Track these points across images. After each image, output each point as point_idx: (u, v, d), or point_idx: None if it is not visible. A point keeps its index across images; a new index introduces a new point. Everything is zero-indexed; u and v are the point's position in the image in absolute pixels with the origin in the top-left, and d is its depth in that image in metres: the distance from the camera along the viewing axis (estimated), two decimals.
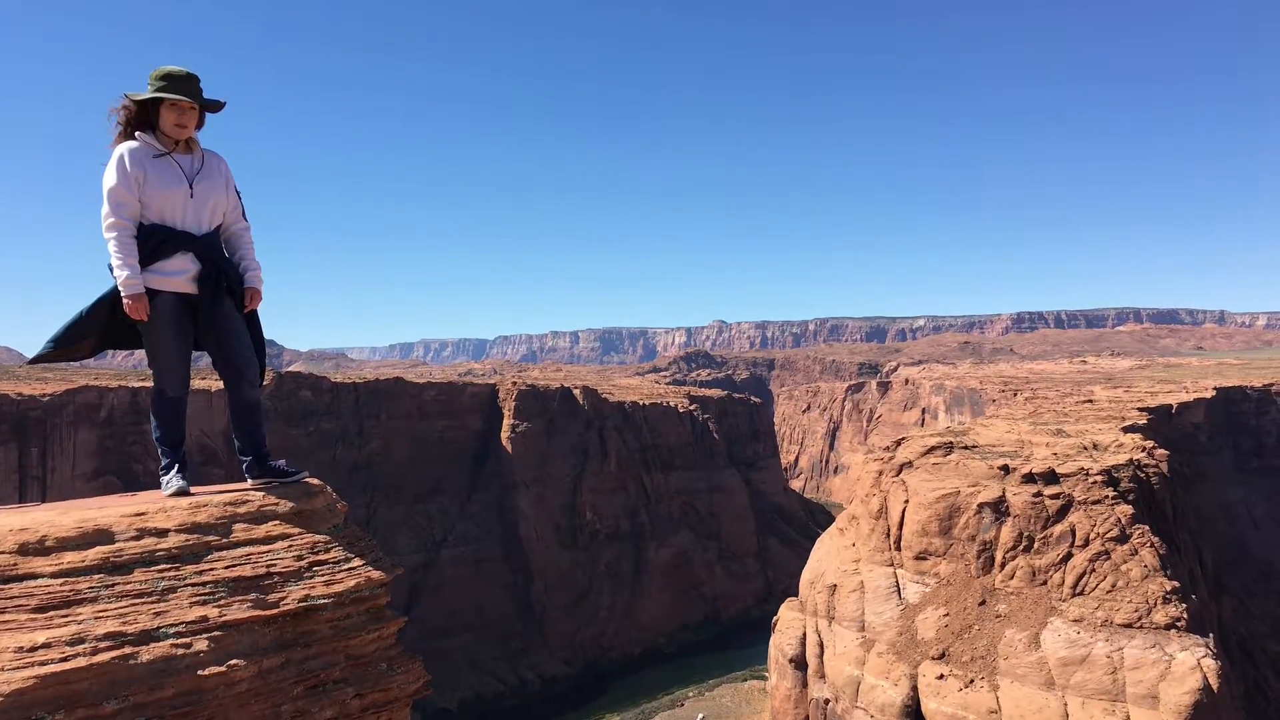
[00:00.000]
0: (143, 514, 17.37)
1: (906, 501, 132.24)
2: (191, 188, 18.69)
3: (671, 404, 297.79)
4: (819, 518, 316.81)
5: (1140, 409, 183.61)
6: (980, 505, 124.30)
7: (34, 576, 15.64)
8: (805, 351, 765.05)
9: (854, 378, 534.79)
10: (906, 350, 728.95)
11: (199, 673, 15.45)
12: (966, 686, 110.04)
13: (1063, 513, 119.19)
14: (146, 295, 18.12)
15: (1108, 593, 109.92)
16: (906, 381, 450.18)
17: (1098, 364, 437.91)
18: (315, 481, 20.18)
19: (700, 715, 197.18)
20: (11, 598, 15.24)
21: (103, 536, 16.64)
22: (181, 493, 18.73)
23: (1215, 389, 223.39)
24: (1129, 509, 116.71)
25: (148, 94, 18.38)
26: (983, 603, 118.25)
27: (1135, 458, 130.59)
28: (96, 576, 15.98)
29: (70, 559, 16.07)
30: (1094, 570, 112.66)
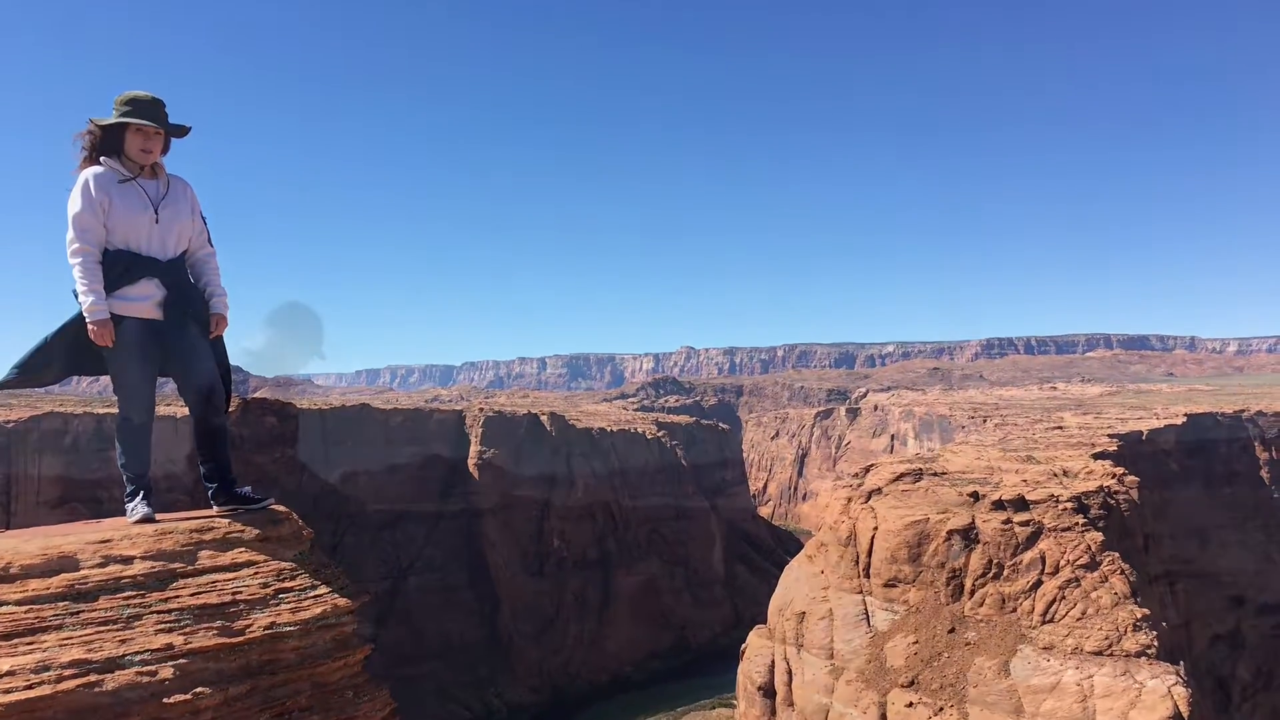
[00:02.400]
0: (108, 541, 17.27)
1: (875, 528, 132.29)
2: (157, 213, 18.67)
3: (639, 430, 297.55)
4: (788, 545, 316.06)
5: (1110, 435, 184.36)
6: (949, 532, 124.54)
7: None
8: (774, 378, 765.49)
9: (823, 404, 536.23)
10: (875, 376, 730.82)
11: (164, 700, 15.33)
12: (936, 714, 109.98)
13: (1032, 540, 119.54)
14: (111, 321, 18.07)
15: (1078, 620, 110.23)
16: (875, 408, 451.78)
17: (1068, 390, 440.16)
18: (281, 508, 20.14)
19: None
20: None
21: (67, 563, 16.53)
22: (147, 519, 18.64)
23: (1186, 415, 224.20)
24: (1099, 536, 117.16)
25: (113, 119, 18.36)
26: (952, 630, 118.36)
27: (1105, 484, 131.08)
28: (61, 604, 15.86)
29: (35, 586, 15.94)
30: (1064, 598, 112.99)
